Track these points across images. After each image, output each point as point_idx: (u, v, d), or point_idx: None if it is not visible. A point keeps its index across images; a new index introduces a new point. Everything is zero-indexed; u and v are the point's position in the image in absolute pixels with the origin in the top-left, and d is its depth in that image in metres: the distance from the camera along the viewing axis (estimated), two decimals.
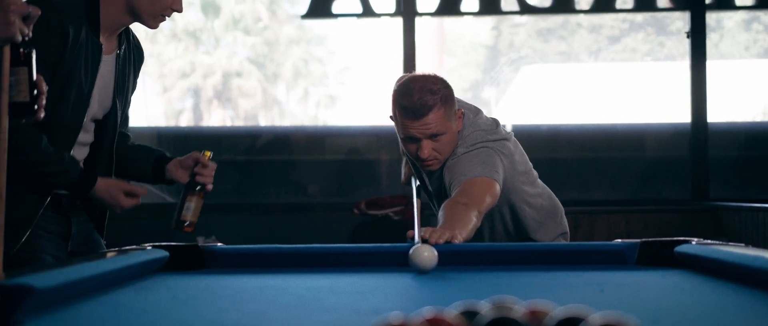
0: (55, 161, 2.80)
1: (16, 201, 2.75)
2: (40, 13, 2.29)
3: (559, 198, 3.31)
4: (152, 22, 2.89)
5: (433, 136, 3.01)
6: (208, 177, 3.04)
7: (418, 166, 3.23)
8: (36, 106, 2.34)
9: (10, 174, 2.69)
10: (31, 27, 2.30)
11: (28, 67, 2.31)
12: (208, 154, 3.07)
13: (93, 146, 2.96)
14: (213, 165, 3.06)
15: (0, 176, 2.30)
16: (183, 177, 3.05)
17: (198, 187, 3.03)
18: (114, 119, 2.96)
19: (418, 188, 3.32)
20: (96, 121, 2.93)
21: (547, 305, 1.31)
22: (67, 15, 2.74)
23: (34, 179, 2.82)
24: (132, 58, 3.03)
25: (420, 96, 2.99)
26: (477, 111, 3.19)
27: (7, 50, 2.28)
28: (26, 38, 2.28)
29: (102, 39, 2.86)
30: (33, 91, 2.32)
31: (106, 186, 2.91)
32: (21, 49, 2.30)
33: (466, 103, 3.21)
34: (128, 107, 3.10)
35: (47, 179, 2.82)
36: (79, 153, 2.92)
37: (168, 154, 3.14)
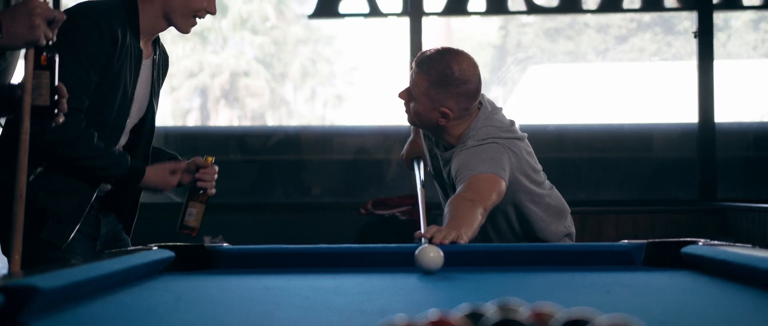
0: (108, 155, 2.89)
1: (65, 197, 2.83)
2: (65, 17, 2.32)
3: (566, 199, 3.31)
4: (185, 25, 2.95)
5: (409, 91, 3.12)
6: (209, 181, 3.10)
7: (430, 146, 3.26)
8: (56, 111, 2.35)
9: (58, 170, 2.76)
10: (56, 31, 2.31)
11: (51, 71, 2.33)
12: (210, 159, 3.11)
13: (128, 149, 3.04)
14: (214, 169, 3.12)
15: (20, 176, 2.30)
16: (186, 180, 3.09)
17: (200, 191, 3.09)
18: (151, 122, 3.07)
19: (422, 180, 3.34)
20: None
21: (552, 307, 1.31)
22: (115, 19, 2.80)
23: (87, 173, 2.91)
24: (161, 63, 3.12)
25: (429, 56, 3.10)
26: (497, 109, 3.20)
27: (30, 53, 2.29)
28: (50, 43, 2.29)
29: (141, 44, 2.95)
30: (53, 96, 2.33)
31: (155, 172, 3.02)
32: (44, 53, 2.31)
33: (490, 100, 3.22)
34: None
35: (100, 172, 2.91)
36: None
37: (179, 158, 3.19)
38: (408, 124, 3.25)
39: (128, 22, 2.88)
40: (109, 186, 3.01)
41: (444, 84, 3.04)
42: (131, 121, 3.00)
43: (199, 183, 3.08)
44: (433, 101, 3.05)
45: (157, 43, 3.07)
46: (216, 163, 3.13)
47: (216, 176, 3.12)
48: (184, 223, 3.08)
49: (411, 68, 3.15)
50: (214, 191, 3.11)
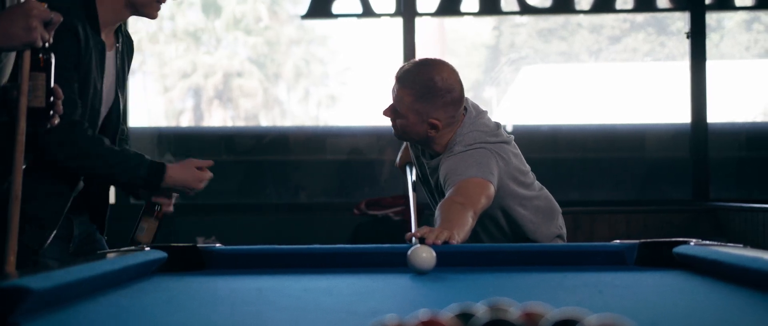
0: (125, 158, 2.87)
1: (43, 201, 2.79)
2: (62, 19, 2.31)
3: (559, 199, 3.31)
4: (151, 11, 2.89)
5: (393, 108, 3.11)
6: (166, 200, 3.03)
7: (418, 153, 3.26)
8: (52, 113, 2.35)
9: (38, 173, 2.74)
10: (52, 33, 2.31)
11: (47, 73, 2.33)
12: None
13: None
14: None
15: (16, 177, 2.31)
16: (145, 195, 3.06)
17: (155, 207, 3.01)
18: (117, 113, 2.99)
19: (413, 182, 3.35)
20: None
21: (542, 307, 1.31)
22: (72, 14, 2.75)
23: (107, 180, 2.90)
24: (125, 50, 3.05)
25: (407, 70, 3.10)
26: (482, 112, 3.20)
27: (27, 55, 2.29)
28: (46, 44, 2.29)
29: (102, 36, 2.88)
30: (49, 98, 2.33)
31: (179, 167, 2.95)
32: (40, 55, 2.31)
33: (473, 103, 3.22)
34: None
35: (119, 178, 2.89)
36: None
37: (146, 157, 3.12)
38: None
39: (86, 16, 2.81)
40: (82, 185, 2.96)
41: (429, 96, 3.04)
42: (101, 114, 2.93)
43: (155, 198, 3.01)
44: (421, 114, 3.06)
45: (119, 31, 2.99)
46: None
47: (176, 195, 3.05)
48: (135, 238, 2.98)
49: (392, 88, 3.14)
50: (171, 209, 3.05)
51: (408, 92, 3.06)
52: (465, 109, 3.16)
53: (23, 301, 1.57)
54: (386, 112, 3.15)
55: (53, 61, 2.34)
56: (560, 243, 3.22)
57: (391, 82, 3.16)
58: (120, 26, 3.01)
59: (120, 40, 2.99)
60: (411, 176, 3.44)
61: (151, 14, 2.90)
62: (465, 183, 2.92)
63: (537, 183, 3.25)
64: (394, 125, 3.16)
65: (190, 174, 2.98)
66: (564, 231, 3.29)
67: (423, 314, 1.26)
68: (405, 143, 3.58)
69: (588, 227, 6.41)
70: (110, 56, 2.93)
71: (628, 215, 6.54)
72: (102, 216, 3.06)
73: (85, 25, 2.80)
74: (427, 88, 3.04)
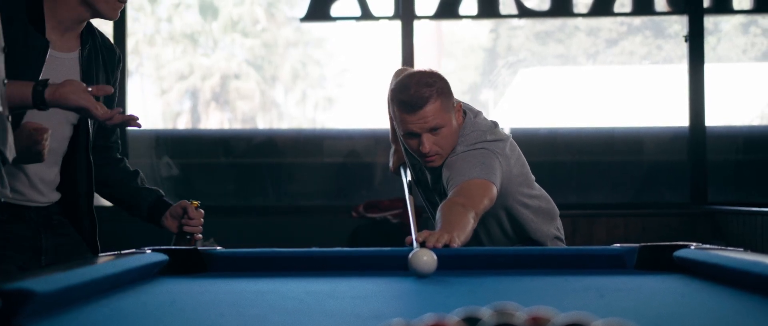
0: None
1: None
2: None
3: (557, 202, 3.32)
4: (109, 10, 2.78)
5: (432, 130, 3.02)
6: (195, 226, 3.07)
7: (414, 162, 3.25)
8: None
9: None
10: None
11: None
12: (196, 203, 3.09)
13: (68, 154, 2.92)
14: (199, 214, 3.09)
15: None
16: (173, 226, 3.08)
17: (187, 237, 3.06)
18: (86, 123, 2.89)
19: (409, 183, 3.34)
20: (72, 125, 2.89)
21: (548, 311, 1.31)
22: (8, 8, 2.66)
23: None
24: (101, 59, 2.94)
25: (416, 89, 3.01)
26: (478, 112, 3.21)
27: None
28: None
29: (53, 36, 2.77)
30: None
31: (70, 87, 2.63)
32: None
33: (467, 104, 3.23)
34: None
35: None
36: (54, 157, 2.86)
37: (164, 197, 3.14)
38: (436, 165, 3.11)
39: (27, 11, 2.71)
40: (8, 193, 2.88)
41: (447, 87, 3.07)
42: (67, 121, 2.83)
43: (186, 228, 3.06)
44: (452, 109, 3.06)
45: (90, 37, 2.89)
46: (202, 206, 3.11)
47: (202, 220, 3.09)
48: None
49: (409, 122, 3.02)
50: (201, 236, 3.08)
51: (437, 99, 3.00)
52: (464, 111, 3.16)
53: (27, 304, 1.57)
54: (428, 147, 3.03)
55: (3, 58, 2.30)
56: (560, 245, 3.23)
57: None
58: (93, 33, 2.92)
59: (88, 44, 2.88)
60: (406, 179, 3.43)
61: (109, 13, 2.78)
62: (467, 184, 2.91)
63: (536, 184, 3.26)
64: (438, 152, 3.05)
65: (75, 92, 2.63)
66: (562, 233, 3.29)
67: (429, 318, 1.27)
68: (393, 147, 3.57)
69: (586, 230, 6.42)
70: (66, 58, 2.82)
71: (626, 218, 6.55)
72: (92, 233, 3.00)
73: (22, 16, 2.70)
74: (442, 81, 3.06)
